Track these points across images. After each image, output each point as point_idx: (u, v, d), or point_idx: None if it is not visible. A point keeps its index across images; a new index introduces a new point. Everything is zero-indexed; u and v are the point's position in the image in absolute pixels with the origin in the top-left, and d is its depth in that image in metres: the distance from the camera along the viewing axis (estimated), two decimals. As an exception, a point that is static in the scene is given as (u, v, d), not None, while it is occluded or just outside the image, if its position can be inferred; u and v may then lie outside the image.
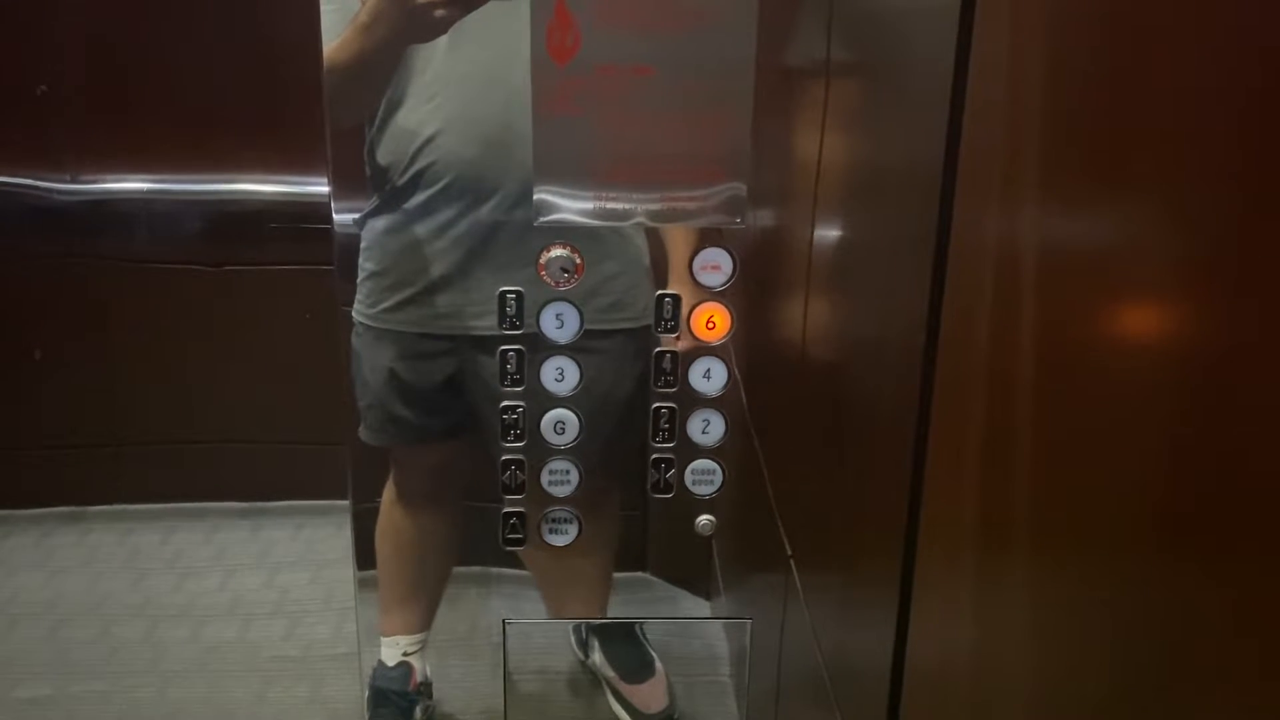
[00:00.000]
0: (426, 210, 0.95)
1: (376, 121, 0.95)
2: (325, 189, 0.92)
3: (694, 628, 1.07)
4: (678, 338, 0.91)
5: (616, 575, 1.04)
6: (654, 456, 0.94)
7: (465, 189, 0.94)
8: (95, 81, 1.66)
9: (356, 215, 0.95)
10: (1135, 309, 0.45)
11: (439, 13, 0.85)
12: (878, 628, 0.67)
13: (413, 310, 1.00)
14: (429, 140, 0.94)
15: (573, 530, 0.96)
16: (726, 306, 0.90)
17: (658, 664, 1.11)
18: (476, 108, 0.93)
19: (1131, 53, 0.45)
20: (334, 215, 0.92)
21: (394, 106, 0.94)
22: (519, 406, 0.92)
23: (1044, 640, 0.54)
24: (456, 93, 0.92)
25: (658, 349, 0.91)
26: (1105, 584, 0.48)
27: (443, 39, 0.87)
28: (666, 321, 0.90)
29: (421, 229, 0.96)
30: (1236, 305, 0.39)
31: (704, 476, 0.94)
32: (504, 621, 1.01)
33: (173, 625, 1.64)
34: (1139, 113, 0.45)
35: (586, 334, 0.91)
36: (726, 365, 0.91)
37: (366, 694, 1.12)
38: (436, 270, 0.96)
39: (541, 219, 0.86)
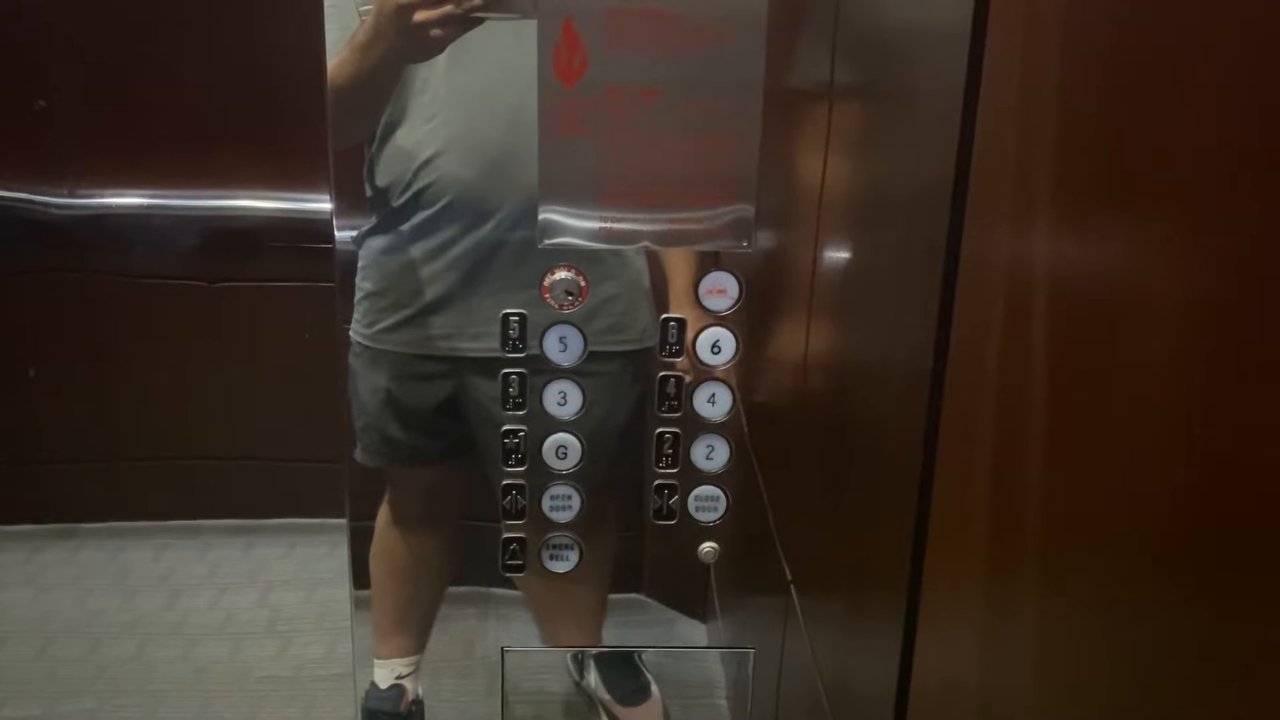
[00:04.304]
0: (425, 230, 0.94)
1: (376, 141, 0.94)
2: (324, 206, 0.91)
3: (691, 651, 1.07)
4: (682, 362, 0.90)
5: (613, 596, 1.03)
6: (657, 482, 0.93)
7: (465, 209, 0.93)
8: (95, 96, 1.66)
9: (356, 233, 0.94)
10: (1147, 333, 0.45)
11: (435, 32, 0.85)
12: (881, 656, 0.67)
13: (410, 331, 0.99)
14: (428, 160, 0.94)
15: (573, 556, 0.95)
16: (732, 331, 0.89)
17: (653, 688, 1.10)
18: (476, 128, 0.92)
19: (1143, 74, 0.45)
20: (335, 233, 0.92)
21: (393, 126, 0.93)
22: (520, 430, 0.92)
23: (1051, 669, 0.53)
24: (456, 113, 0.92)
25: (662, 373, 0.90)
26: (1114, 612, 0.48)
27: (441, 58, 0.87)
28: (671, 346, 0.90)
29: (420, 249, 0.95)
30: (1250, 328, 0.39)
31: (707, 503, 0.93)
32: (502, 650, 1.00)
33: (163, 644, 1.63)
34: (1150, 134, 0.45)
35: (588, 357, 0.90)
36: (731, 390, 0.90)
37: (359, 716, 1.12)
38: (434, 291, 0.96)
39: (546, 241, 0.86)
